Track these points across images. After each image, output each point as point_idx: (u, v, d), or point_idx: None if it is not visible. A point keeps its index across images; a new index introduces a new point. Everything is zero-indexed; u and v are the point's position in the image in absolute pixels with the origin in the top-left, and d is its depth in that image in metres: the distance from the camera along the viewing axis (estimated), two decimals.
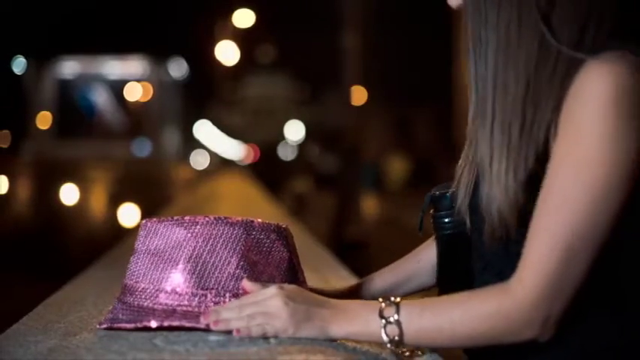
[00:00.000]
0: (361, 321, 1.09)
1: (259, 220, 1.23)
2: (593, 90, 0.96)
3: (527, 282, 1.00)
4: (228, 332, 1.12)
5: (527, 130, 1.04)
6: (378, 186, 19.31)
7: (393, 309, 1.06)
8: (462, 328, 1.03)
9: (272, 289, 1.11)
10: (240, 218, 1.22)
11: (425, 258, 1.40)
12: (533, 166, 1.03)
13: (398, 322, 1.06)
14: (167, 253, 1.19)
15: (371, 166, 20.03)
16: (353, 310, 1.10)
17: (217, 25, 29.08)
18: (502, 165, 1.05)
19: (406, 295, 1.37)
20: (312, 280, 1.76)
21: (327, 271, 1.97)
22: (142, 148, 45.46)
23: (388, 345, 1.07)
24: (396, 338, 1.06)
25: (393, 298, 1.08)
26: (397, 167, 21.45)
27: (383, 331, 1.06)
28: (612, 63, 0.97)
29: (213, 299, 1.16)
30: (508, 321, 1.02)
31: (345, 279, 1.85)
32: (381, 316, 1.07)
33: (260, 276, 1.19)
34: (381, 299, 1.09)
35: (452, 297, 1.08)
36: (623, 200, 0.98)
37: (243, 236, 1.20)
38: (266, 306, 1.10)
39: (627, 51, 0.98)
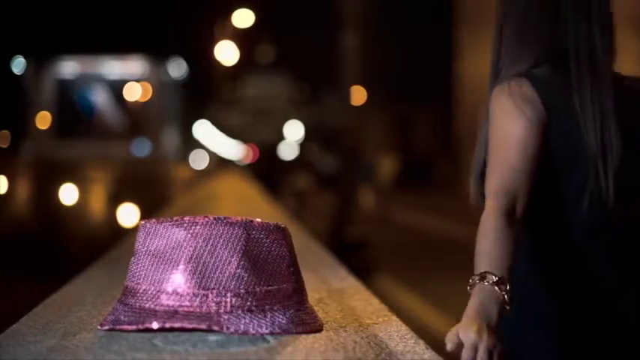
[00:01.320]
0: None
1: (259, 219, 1.23)
2: (493, 98, 1.58)
3: (488, 193, 1.50)
4: (229, 333, 1.12)
5: (480, 142, 1.65)
6: (370, 184, 19.46)
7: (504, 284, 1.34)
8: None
9: (470, 334, 1.21)
10: (239, 218, 1.22)
11: None
12: (483, 164, 1.60)
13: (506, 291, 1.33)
14: (167, 254, 1.19)
15: (366, 164, 20.11)
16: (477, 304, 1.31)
17: (217, 25, 29.05)
18: (474, 165, 1.65)
19: None
20: (311, 279, 1.76)
21: (326, 271, 1.97)
22: (141, 148, 45.44)
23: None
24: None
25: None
26: (387, 166, 21.48)
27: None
28: (504, 83, 1.57)
29: (215, 299, 1.16)
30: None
31: (344, 279, 1.85)
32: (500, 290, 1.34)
33: (260, 275, 1.19)
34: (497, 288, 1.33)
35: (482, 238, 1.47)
36: (520, 146, 1.52)
37: (243, 236, 1.20)
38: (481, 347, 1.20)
39: (516, 76, 1.57)
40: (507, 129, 1.52)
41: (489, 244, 1.41)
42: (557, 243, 1.61)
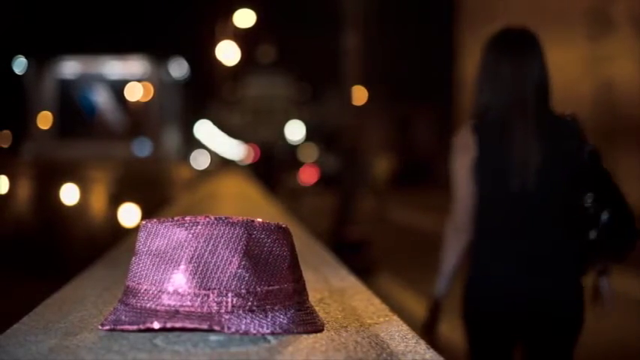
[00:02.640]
0: None
1: (260, 219, 1.23)
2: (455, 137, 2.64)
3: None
4: (230, 333, 1.12)
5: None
6: (366, 184, 19.54)
7: None
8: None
9: None
10: (240, 218, 1.22)
11: None
12: None
13: None
14: (168, 254, 1.19)
15: (365, 164, 20.16)
16: None
17: (218, 25, 29.04)
18: None
19: None
20: (312, 279, 1.76)
21: (327, 271, 1.97)
22: (142, 148, 45.45)
23: None
24: None
25: None
26: (382, 166, 21.54)
27: None
28: (461, 127, 2.58)
29: (216, 299, 1.15)
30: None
31: (345, 278, 1.85)
32: None
33: (261, 275, 1.19)
34: None
35: None
36: (462, 180, 2.54)
37: (244, 236, 1.19)
38: None
39: (469, 121, 2.58)
40: (453, 167, 2.58)
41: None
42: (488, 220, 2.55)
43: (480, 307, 2.53)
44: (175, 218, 1.22)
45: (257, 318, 1.16)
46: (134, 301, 1.19)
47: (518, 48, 2.51)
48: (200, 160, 52.56)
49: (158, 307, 1.16)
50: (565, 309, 2.45)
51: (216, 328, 1.12)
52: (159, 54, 46.35)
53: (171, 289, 1.17)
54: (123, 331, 1.17)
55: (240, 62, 31.49)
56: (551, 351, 2.49)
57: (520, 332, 2.50)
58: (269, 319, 1.17)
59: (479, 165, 2.49)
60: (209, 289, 1.16)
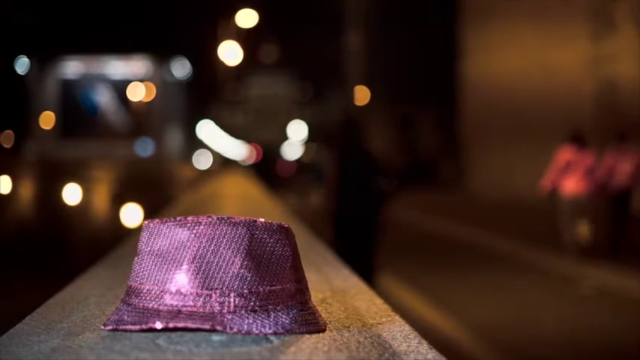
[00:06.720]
0: None
1: (262, 219, 1.23)
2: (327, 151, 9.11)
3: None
4: (232, 332, 1.12)
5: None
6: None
7: None
8: None
9: None
10: (243, 218, 1.22)
11: None
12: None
13: None
14: (171, 254, 1.19)
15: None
16: None
17: (220, 25, 29.07)
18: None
19: None
20: (314, 279, 1.76)
21: (329, 270, 1.97)
22: (144, 148, 45.50)
23: None
24: None
25: None
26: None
27: None
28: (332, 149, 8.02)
29: (218, 299, 1.15)
30: None
31: (347, 278, 1.85)
32: None
33: (263, 275, 1.19)
34: None
35: None
36: (334, 164, 7.12)
37: (247, 236, 1.19)
38: None
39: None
40: (329, 163, 7.25)
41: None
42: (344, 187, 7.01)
43: (340, 218, 6.70)
44: (178, 218, 1.22)
45: (259, 318, 1.16)
46: (136, 301, 1.19)
47: (354, 125, 7.06)
48: (202, 160, 52.60)
49: (160, 307, 1.16)
50: (372, 222, 6.78)
51: (219, 328, 1.12)
52: (161, 54, 46.40)
53: (173, 289, 1.17)
54: (125, 331, 1.17)
55: (242, 62, 31.52)
56: (365, 241, 6.76)
57: (353, 231, 6.68)
58: (271, 319, 1.17)
59: (341, 160, 6.70)
60: (211, 289, 1.16)
